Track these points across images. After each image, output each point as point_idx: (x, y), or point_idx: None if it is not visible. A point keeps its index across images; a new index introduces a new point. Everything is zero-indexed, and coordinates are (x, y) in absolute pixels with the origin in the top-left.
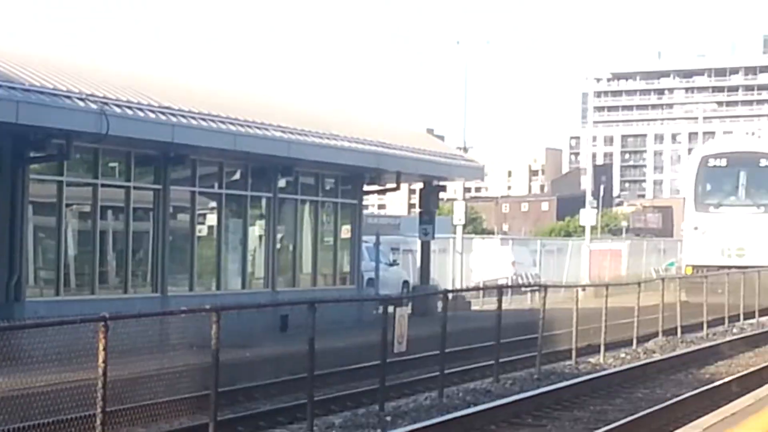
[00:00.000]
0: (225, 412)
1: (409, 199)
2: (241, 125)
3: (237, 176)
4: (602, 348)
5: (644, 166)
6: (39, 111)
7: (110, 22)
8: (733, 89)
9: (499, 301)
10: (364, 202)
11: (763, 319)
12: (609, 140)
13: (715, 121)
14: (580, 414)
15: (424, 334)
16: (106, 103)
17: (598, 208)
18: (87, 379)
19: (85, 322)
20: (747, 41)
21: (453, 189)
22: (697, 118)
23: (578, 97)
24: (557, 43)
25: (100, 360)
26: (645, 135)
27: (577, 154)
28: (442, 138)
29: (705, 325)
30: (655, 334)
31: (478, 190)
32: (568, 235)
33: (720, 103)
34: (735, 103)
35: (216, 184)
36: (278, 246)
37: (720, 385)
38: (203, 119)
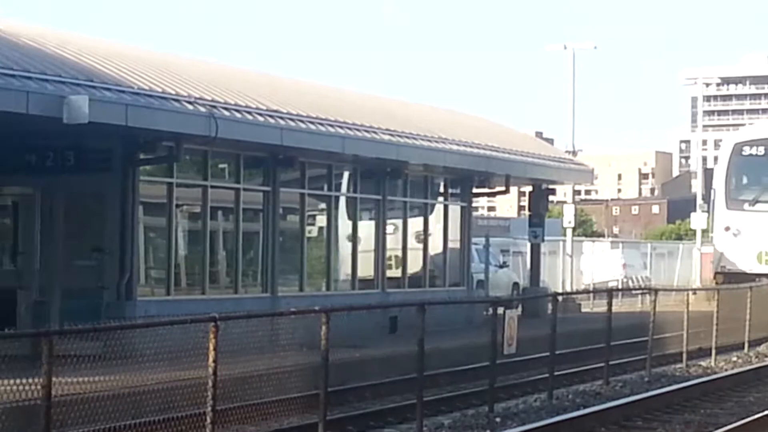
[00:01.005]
0: (334, 412)
1: (519, 201)
2: (350, 128)
3: (346, 178)
4: (713, 351)
5: None
6: (148, 114)
7: (211, 25)
8: None
9: (609, 304)
10: (474, 205)
11: None
12: (719, 144)
13: None
14: (690, 417)
15: (533, 336)
16: (214, 106)
17: (709, 211)
18: (197, 377)
19: (196, 322)
20: None
21: (563, 192)
22: None
23: (687, 101)
24: (666, 47)
25: (210, 359)
26: None
27: (687, 157)
28: (551, 141)
29: None
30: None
31: (587, 192)
32: (679, 238)
33: None
34: None
35: (325, 186)
36: (387, 247)
37: None
38: (311, 122)
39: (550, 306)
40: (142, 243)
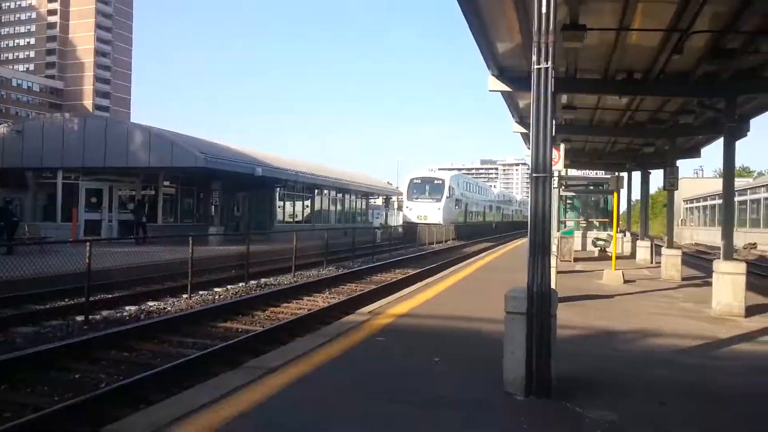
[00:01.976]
0: (330, 259)
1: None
2: (316, 173)
3: (304, 189)
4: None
5: None
6: (278, 173)
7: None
8: None
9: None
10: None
11: None
12: None
13: None
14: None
15: None
16: (296, 172)
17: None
18: (292, 247)
19: (287, 231)
20: None
21: None
22: None
23: None
24: None
25: (295, 242)
26: None
27: None
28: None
29: None
30: None
31: None
32: None
33: None
34: None
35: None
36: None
37: None
38: (314, 172)
39: None
40: (277, 210)
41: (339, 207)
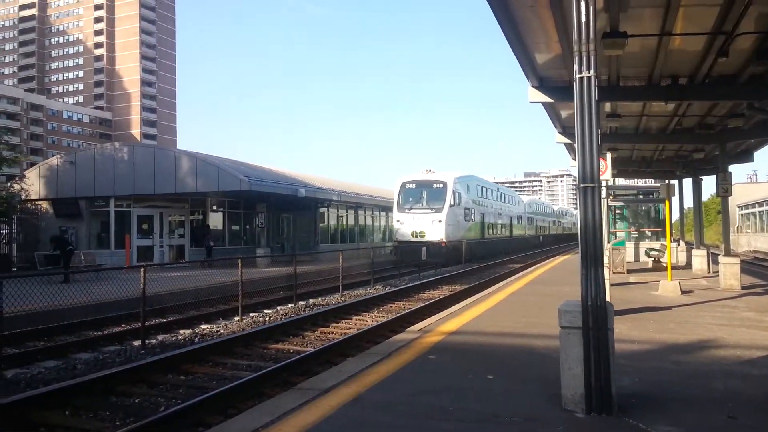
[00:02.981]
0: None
1: None
2: (332, 188)
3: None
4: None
5: None
6: (320, 193)
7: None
8: None
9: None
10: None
11: None
12: None
13: None
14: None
15: None
16: (338, 192)
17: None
18: (338, 267)
19: (334, 251)
20: None
21: None
22: None
23: None
24: None
25: (341, 262)
26: None
27: None
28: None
29: None
30: None
31: None
32: None
33: None
34: None
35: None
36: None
37: None
38: (336, 188)
39: None
40: (320, 230)
41: (383, 224)
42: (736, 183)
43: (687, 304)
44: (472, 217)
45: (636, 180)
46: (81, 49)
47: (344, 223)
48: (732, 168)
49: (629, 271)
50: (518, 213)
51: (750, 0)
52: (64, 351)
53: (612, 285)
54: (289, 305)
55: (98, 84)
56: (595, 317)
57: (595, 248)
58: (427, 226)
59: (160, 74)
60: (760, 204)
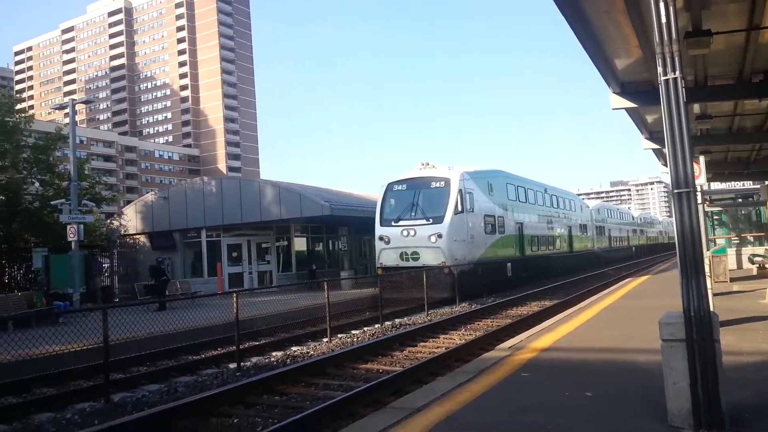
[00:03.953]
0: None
1: None
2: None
3: None
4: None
5: None
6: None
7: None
8: None
9: None
10: None
11: None
12: None
13: None
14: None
15: None
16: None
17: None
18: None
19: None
20: None
21: None
22: None
23: None
24: None
25: (425, 284)
26: None
27: None
28: None
29: None
30: None
31: None
32: None
33: None
34: None
35: None
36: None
37: None
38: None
39: None
40: None
41: None
42: None
43: None
44: (500, 227)
45: (733, 183)
46: (168, 92)
47: None
48: None
49: (732, 280)
50: (581, 221)
51: None
52: (165, 375)
53: (714, 295)
54: (376, 326)
55: (185, 123)
56: (699, 328)
57: (694, 256)
58: (421, 243)
59: (241, 110)
60: None
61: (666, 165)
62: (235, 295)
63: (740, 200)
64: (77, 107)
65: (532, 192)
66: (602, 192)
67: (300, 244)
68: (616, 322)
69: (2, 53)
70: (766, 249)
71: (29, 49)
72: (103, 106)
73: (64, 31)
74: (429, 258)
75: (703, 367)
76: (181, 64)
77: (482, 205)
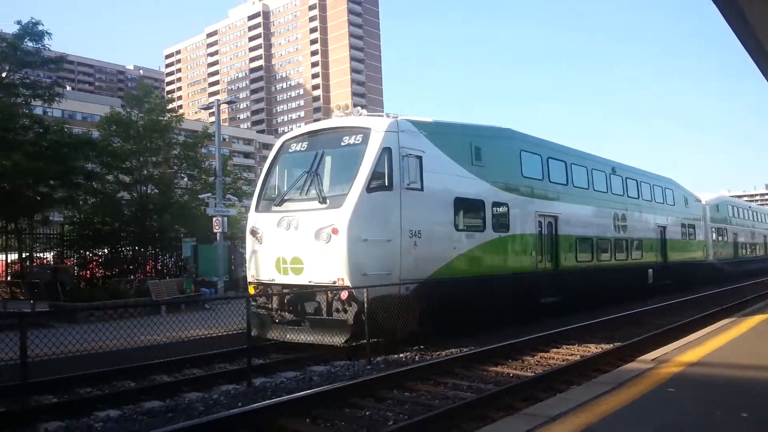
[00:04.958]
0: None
1: None
2: None
3: None
4: None
5: None
6: None
7: None
8: None
9: None
10: None
11: None
12: None
13: None
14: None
15: None
16: None
17: None
18: None
19: None
20: None
21: None
22: None
23: None
24: None
25: None
26: None
27: None
28: None
29: None
30: None
31: None
32: None
33: None
34: None
35: None
36: None
37: None
38: None
39: None
40: None
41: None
42: None
43: None
44: (496, 222)
45: None
46: (301, 91)
47: None
48: None
49: None
50: (685, 220)
51: None
52: (301, 363)
53: None
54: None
55: (317, 121)
56: None
57: None
58: (305, 244)
59: (370, 108)
60: None
61: None
62: (365, 290)
63: None
64: (221, 107)
65: (580, 170)
66: (756, 194)
67: None
68: None
69: (154, 56)
70: None
71: (178, 52)
72: (242, 105)
73: (209, 35)
74: (316, 270)
75: None
76: (314, 65)
77: (450, 181)
